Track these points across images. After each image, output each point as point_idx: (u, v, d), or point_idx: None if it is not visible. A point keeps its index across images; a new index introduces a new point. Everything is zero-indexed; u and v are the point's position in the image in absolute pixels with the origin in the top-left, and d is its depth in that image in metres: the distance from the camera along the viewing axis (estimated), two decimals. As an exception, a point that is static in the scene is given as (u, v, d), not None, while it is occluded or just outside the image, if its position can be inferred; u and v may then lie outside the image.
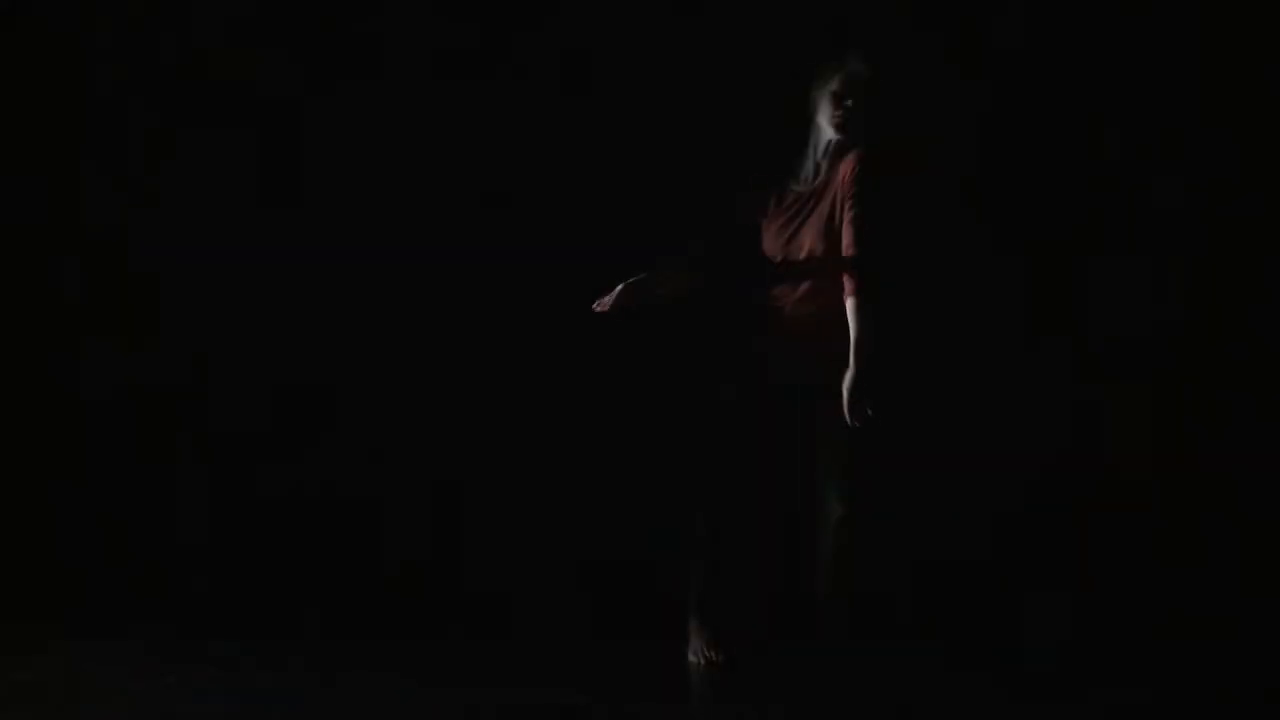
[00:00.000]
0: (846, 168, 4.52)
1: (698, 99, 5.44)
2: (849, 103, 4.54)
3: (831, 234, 4.55)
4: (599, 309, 4.58)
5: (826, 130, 4.59)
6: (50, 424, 5.77)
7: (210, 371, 5.77)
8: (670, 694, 4.45)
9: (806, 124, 4.63)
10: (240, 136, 5.77)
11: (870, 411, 4.36)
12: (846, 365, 4.42)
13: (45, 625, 5.02)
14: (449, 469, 5.63)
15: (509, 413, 5.60)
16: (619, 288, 4.57)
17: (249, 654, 4.70)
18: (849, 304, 4.44)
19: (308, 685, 4.37)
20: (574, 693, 4.32)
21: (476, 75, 5.67)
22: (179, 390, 5.77)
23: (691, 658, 4.72)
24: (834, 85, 4.56)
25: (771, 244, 4.66)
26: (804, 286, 4.60)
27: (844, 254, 4.49)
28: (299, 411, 5.71)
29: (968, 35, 5.31)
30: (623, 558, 5.40)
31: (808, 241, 4.60)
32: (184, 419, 5.77)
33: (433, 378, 5.66)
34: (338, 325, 5.72)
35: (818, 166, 4.62)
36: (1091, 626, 5.07)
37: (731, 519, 4.67)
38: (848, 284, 4.46)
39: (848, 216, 4.50)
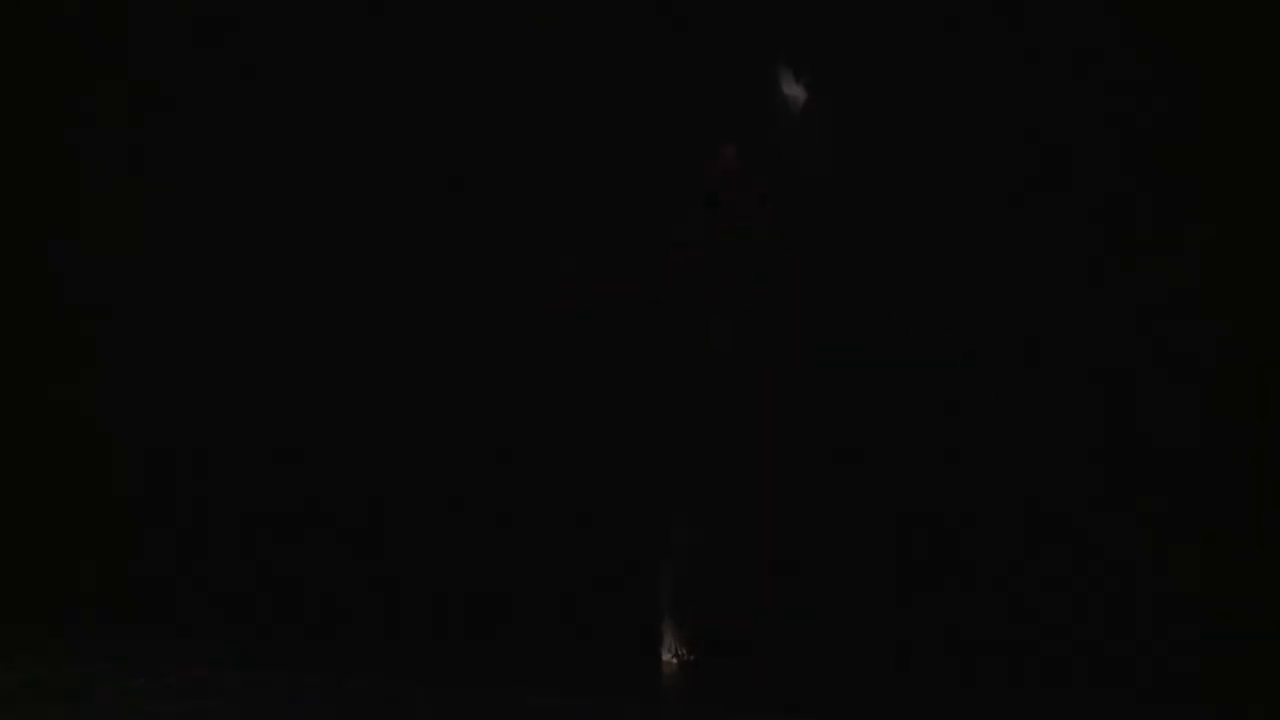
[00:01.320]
0: None
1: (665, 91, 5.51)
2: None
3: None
4: None
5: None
6: (47, 427, 5.69)
7: (204, 377, 5.73)
8: (654, 694, 4.57)
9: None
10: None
11: None
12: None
13: (43, 625, 4.99)
14: (447, 470, 5.63)
15: (504, 414, 5.62)
16: None
17: (249, 654, 4.73)
18: None
19: (308, 685, 4.41)
20: (574, 693, 4.41)
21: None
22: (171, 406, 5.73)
23: (665, 656, 4.83)
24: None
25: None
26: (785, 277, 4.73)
27: None
28: (297, 416, 5.68)
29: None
30: (606, 559, 5.47)
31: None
32: (180, 431, 5.73)
33: (428, 382, 5.65)
34: (328, 326, 5.71)
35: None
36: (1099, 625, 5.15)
37: (707, 518, 4.77)
38: None
39: None
